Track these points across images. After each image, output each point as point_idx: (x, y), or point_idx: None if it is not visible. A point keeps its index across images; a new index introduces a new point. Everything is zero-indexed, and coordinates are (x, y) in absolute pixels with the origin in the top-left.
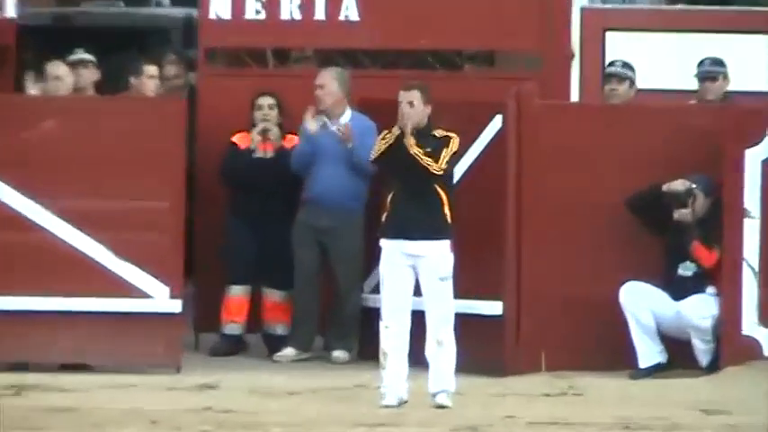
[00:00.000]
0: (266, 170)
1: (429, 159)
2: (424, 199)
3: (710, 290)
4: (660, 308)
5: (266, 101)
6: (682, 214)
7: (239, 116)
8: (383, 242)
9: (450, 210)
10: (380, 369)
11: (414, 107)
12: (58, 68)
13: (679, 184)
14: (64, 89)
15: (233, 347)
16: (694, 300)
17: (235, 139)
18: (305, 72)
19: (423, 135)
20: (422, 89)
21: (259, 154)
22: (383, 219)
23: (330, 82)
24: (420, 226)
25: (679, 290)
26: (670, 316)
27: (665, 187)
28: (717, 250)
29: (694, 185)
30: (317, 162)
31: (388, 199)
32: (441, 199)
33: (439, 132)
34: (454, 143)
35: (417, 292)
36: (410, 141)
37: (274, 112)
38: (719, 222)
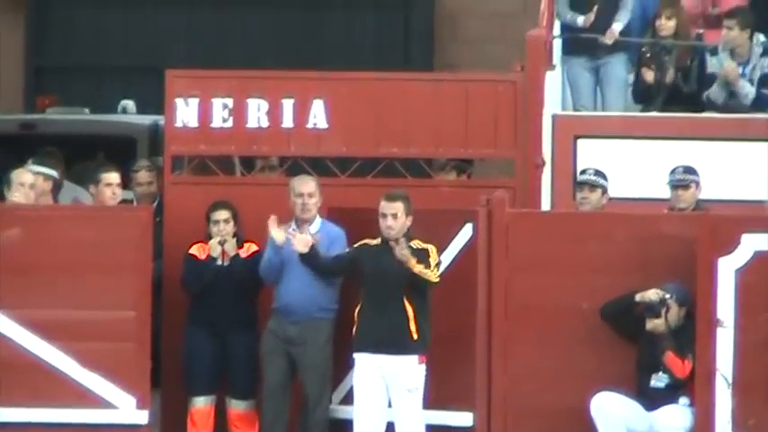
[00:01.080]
0: (224, 277)
1: (423, 267)
2: (391, 313)
3: (684, 400)
4: (632, 419)
5: (221, 215)
6: (655, 324)
7: (204, 224)
8: (355, 355)
9: (418, 324)
10: None
11: (396, 219)
12: (23, 176)
13: (652, 294)
14: (32, 196)
15: None
16: (667, 410)
17: (192, 250)
18: (272, 180)
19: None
20: (405, 201)
21: (218, 261)
22: (354, 332)
23: (316, 191)
24: (387, 341)
25: (652, 400)
26: (642, 427)
27: (638, 297)
28: (690, 360)
29: (668, 295)
30: (286, 270)
31: (356, 311)
32: (407, 313)
33: (416, 244)
34: (434, 253)
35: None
36: (405, 252)
37: (229, 226)
38: (693, 332)
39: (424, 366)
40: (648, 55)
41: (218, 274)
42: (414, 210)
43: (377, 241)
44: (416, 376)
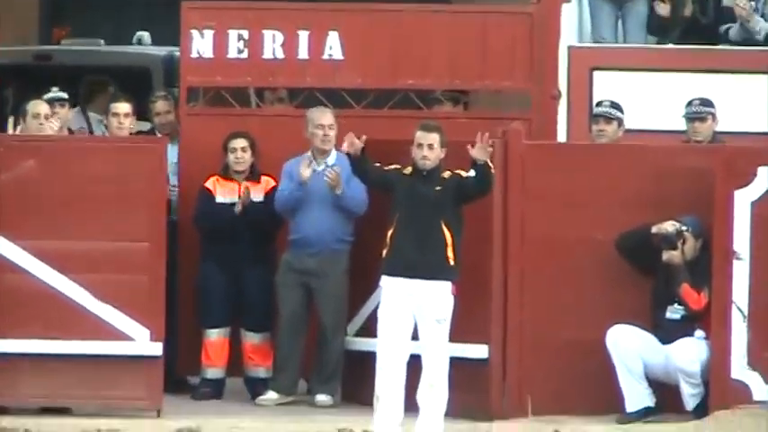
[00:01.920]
0: (240, 220)
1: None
2: (428, 238)
3: (699, 333)
4: (648, 352)
5: (239, 143)
6: (671, 256)
7: (221, 155)
8: (384, 279)
9: (455, 251)
10: (373, 413)
11: (432, 150)
12: (38, 107)
13: (668, 226)
14: (46, 128)
15: (215, 391)
16: (683, 343)
17: (208, 184)
18: (288, 112)
19: (433, 174)
20: (440, 132)
21: (236, 209)
22: (384, 255)
23: (334, 122)
24: (422, 265)
25: (667, 333)
26: (658, 360)
27: (654, 229)
28: (705, 293)
29: (684, 227)
30: (304, 203)
31: (389, 235)
32: (445, 239)
33: (447, 174)
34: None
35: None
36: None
37: (247, 155)
38: (708, 265)
39: (453, 298)
40: None
41: (234, 219)
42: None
43: (408, 170)
44: (446, 306)
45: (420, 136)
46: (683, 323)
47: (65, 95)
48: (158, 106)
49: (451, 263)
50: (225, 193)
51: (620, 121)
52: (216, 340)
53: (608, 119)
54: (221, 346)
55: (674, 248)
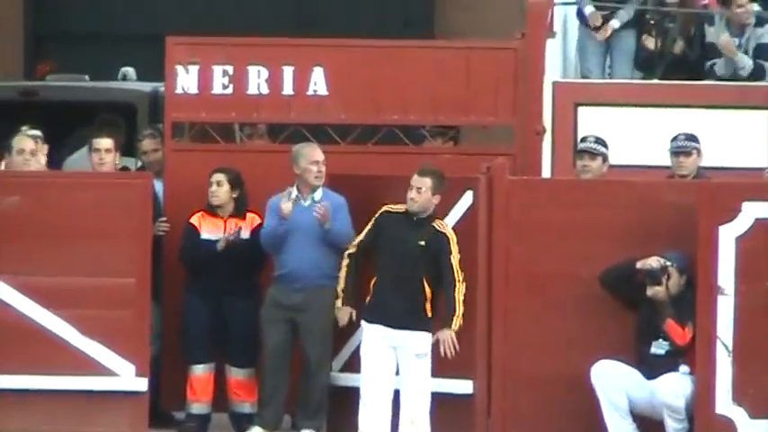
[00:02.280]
0: (221, 255)
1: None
2: (410, 292)
3: (684, 368)
4: (632, 387)
5: (215, 177)
6: (655, 291)
7: (205, 191)
8: (365, 324)
9: (434, 305)
10: None
11: (421, 193)
12: (22, 142)
13: (653, 261)
14: (32, 163)
15: (200, 426)
16: (667, 378)
17: (193, 220)
18: (273, 148)
19: (423, 223)
20: (435, 177)
21: (230, 236)
22: (367, 302)
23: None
24: (403, 317)
25: (652, 368)
26: (643, 394)
27: (639, 264)
28: (690, 328)
29: (669, 263)
30: (289, 238)
31: (372, 283)
32: (426, 295)
33: (438, 224)
34: (455, 245)
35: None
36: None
37: (222, 189)
38: (693, 299)
39: (431, 334)
40: (652, 22)
41: (217, 255)
42: (406, 177)
43: (402, 208)
44: (425, 342)
45: (414, 179)
46: (667, 358)
47: (38, 133)
48: (145, 144)
49: (429, 315)
50: (210, 229)
51: (605, 157)
52: (201, 375)
53: (592, 154)
54: (206, 382)
55: (659, 284)
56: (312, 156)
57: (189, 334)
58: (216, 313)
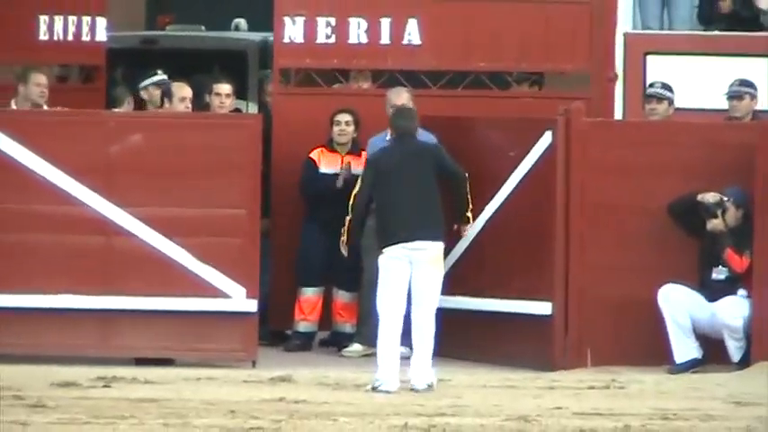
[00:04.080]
0: (340, 190)
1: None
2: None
3: (742, 292)
4: (695, 308)
5: (343, 117)
6: (714, 224)
7: (310, 131)
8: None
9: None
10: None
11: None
12: (183, 90)
13: (710, 197)
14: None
15: (306, 344)
16: (727, 301)
17: (312, 155)
18: (368, 91)
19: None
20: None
21: (346, 172)
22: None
23: (409, 102)
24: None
25: (713, 292)
26: (705, 316)
27: (699, 197)
28: (748, 256)
29: (725, 198)
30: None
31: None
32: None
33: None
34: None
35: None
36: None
37: (350, 128)
38: (751, 231)
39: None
40: None
41: (330, 187)
42: (498, 118)
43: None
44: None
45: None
46: (727, 283)
47: (165, 77)
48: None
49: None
50: (328, 164)
51: (671, 101)
52: (310, 297)
53: (659, 99)
54: (315, 303)
55: (716, 217)
56: (393, 100)
57: (304, 260)
58: (330, 242)
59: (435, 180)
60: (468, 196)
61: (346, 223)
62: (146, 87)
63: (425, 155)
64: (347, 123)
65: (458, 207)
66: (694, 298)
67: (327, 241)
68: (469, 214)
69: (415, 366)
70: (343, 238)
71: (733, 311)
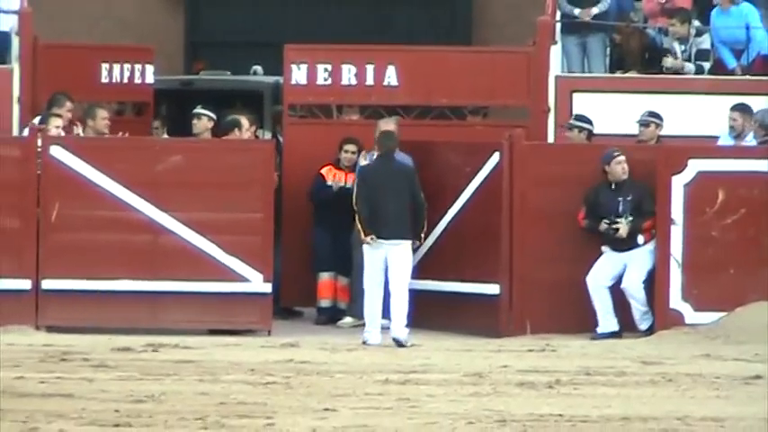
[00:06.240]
0: (337, 198)
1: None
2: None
3: (640, 239)
4: (613, 272)
5: (350, 147)
6: (619, 234)
7: (313, 152)
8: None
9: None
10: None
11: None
12: (246, 121)
13: (602, 227)
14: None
15: (328, 318)
16: (631, 274)
17: (323, 171)
18: (357, 121)
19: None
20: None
21: (339, 184)
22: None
23: (395, 129)
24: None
25: (618, 242)
26: (619, 270)
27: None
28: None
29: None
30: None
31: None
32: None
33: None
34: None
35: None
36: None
37: (354, 156)
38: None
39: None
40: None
41: (333, 196)
42: (454, 143)
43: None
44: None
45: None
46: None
47: (205, 111)
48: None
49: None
50: (333, 178)
51: (586, 129)
52: (325, 281)
53: (578, 127)
54: (329, 284)
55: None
56: (383, 126)
57: (317, 253)
58: (335, 237)
59: (408, 193)
60: (425, 222)
61: (357, 221)
62: (200, 116)
63: (404, 174)
64: (353, 152)
65: (413, 227)
66: (608, 268)
67: (331, 238)
68: (423, 234)
69: (394, 324)
70: (360, 233)
71: (637, 284)
